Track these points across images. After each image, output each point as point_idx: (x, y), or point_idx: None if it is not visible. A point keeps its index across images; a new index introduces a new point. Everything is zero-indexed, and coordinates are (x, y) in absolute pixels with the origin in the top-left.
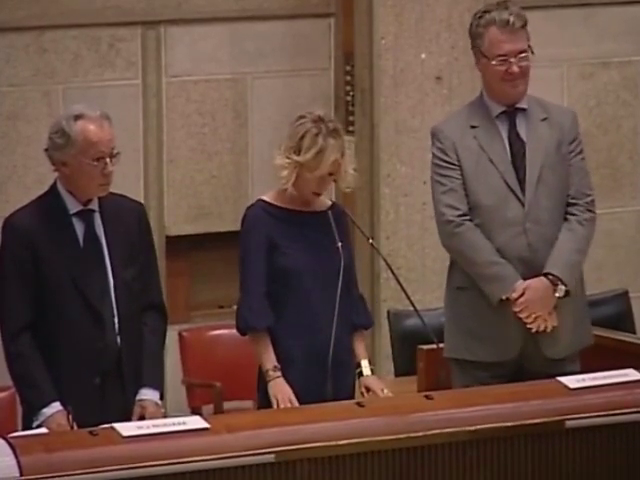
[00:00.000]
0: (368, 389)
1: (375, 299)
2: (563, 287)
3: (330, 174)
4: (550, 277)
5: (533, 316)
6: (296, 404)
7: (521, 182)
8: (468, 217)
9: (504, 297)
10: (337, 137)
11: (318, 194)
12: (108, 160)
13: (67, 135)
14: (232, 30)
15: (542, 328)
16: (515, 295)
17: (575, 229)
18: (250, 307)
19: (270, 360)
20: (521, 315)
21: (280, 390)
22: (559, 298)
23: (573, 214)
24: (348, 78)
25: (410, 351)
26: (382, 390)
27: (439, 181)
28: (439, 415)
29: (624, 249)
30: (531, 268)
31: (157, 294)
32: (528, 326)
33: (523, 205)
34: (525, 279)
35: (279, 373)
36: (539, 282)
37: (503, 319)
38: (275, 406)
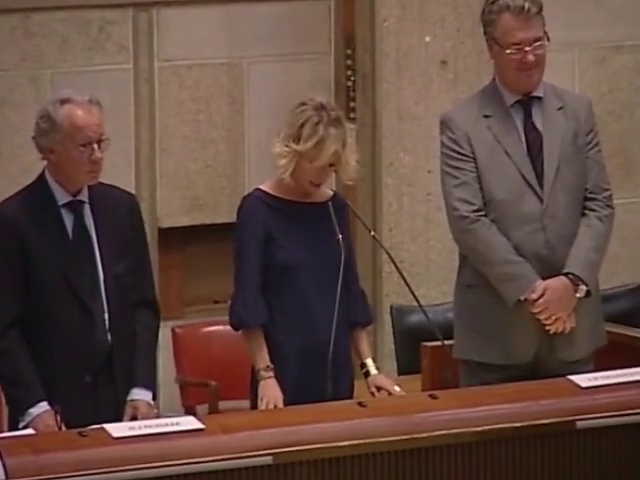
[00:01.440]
0: (379, 388)
1: (377, 294)
2: (584, 287)
3: (330, 165)
4: (570, 277)
5: (553, 317)
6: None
7: (538, 175)
8: (483, 213)
9: (522, 298)
10: (339, 126)
11: (317, 185)
12: (96, 146)
13: (52, 119)
14: (228, 12)
15: (561, 329)
16: (535, 296)
17: (594, 226)
18: (244, 303)
19: (263, 359)
20: (540, 317)
21: (269, 392)
22: (579, 299)
23: (592, 210)
24: (349, 62)
25: (414, 348)
26: (394, 387)
27: (451, 173)
28: (444, 415)
29: (638, 242)
30: (549, 267)
31: (150, 289)
32: (547, 328)
33: (541, 200)
34: (542, 278)
35: (271, 373)
36: (559, 282)
37: (517, 320)
38: (262, 407)
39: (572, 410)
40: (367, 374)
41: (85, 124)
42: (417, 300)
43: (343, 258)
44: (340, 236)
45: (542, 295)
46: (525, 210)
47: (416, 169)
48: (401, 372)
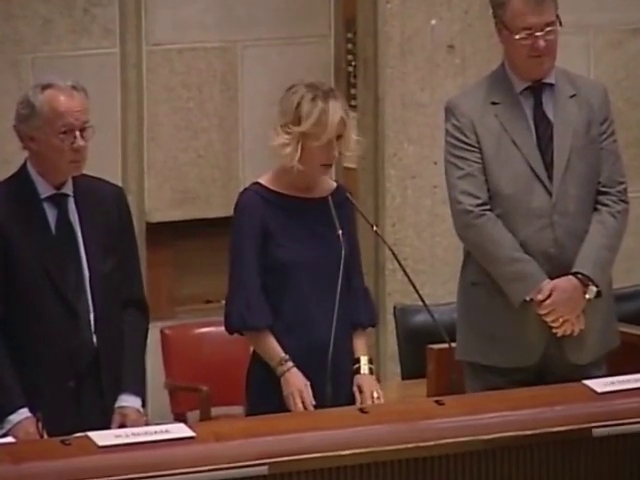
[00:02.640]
0: (360, 389)
1: (380, 293)
2: (594, 288)
3: (338, 137)
4: (580, 277)
5: (561, 320)
6: (309, 406)
7: (548, 168)
8: (488, 207)
9: (528, 298)
10: (336, 97)
11: (328, 165)
12: (78, 134)
13: (32, 105)
14: None
15: (569, 332)
16: (541, 297)
17: (606, 222)
18: (248, 303)
19: (277, 353)
20: (547, 319)
21: (293, 385)
22: (589, 300)
23: (605, 204)
24: (350, 47)
25: (419, 351)
26: (373, 393)
27: (455, 164)
28: (451, 422)
29: None
30: (557, 265)
31: (138, 288)
32: (554, 330)
33: (550, 194)
34: (551, 278)
35: (290, 364)
36: (568, 282)
37: (523, 320)
38: (293, 405)
39: (588, 416)
40: (357, 372)
41: (66, 109)
42: (422, 299)
43: (343, 255)
44: (340, 232)
45: (549, 296)
46: (533, 205)
47: (421, 160)
48: (405, 376)
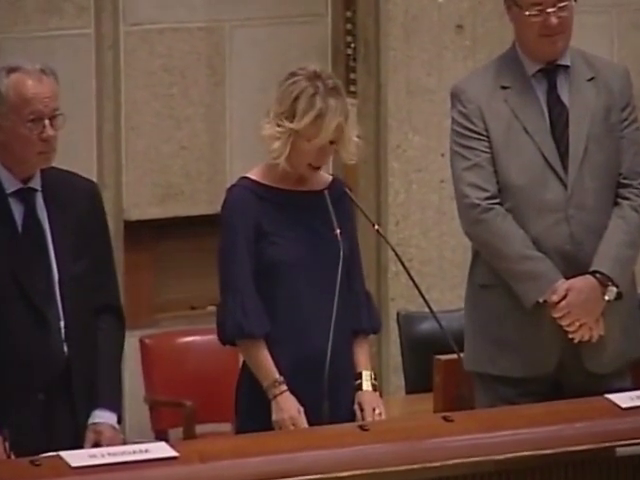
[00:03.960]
0: (362, 407)
1: (382, 298)
2: (614, 288)
3: (331, 142)
4: (598, 276)
5: (577, 324)
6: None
7: (562, 157)
8: (497, 200)
9: (541, 300)
10: (338, 97)
11: (316, 168)
12: (47, 122)
13: None
14: None
15: (587, 338)
16: (555, 298)
17: (628, 217)
18: (244, 310)
19: (271, 372)
20: (562, 322)
21: (286, 411)
22: (608, 302)
23: (626, 198)
24: (349, 27)
25: (424, 362)
26: (374, 410)
27: (461, 154)
28: (460, 441)
29: None
30: (573, 264)
31: (113, 292)
32: (570, 336)
33: (565, 186)
34: (566, 277)
35: (284, 387)
36: (585, 282)
37: (537, 325)
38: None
39: (611, 434)
40: (359, 388)
41: (34, 95)
42: (428, 305)
43: (342, 255)
44: (338, 230)
45: (564, 297)
46: (547, 198)
47: (427, 152)
48: (409, 390)
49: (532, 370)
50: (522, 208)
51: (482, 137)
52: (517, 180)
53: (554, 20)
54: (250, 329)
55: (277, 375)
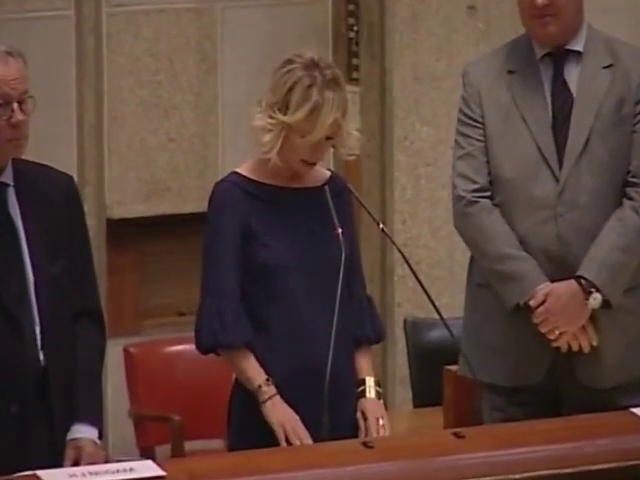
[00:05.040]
0: (365, 416)
1: (387, 304)
2: (599, 296)
3: (328, 138)
4: (582, 282)
5: (557, 332)
6: (308, 437)
7: (559, 150)
8: (487, 193)
9: (522, 302)
10: (337, 89)
11: (311, 164)
12: (16, 106)
13: None
14: None
15: (575, 347)
16: (534, 303)
17: (627, 218)
18: (221, 317)
19: (259, 373)
20: (542, 329)
21: (285, 416)
22: (594, 309)
23: (630, 198)
24: (351, 8)
25: (434, 373)
26: (378, 420)
27: (458, 142)
28: (473, 458)
29: None
30: (561, 267)
31: (92, 296)
32: (553, 344)
33: (557, 181)
34: (553, 281)
35: (274, 390)
36: (566, 287)
37: (523, 330)
38: (282, 440)
39: (636, 452)
40: (362, 395)
41: (0, 78)
42: (438, 311)
43: (344, 258)
44: (340, 230)
45: (543, 302)
46: (536, 193)
47: (437, 144)
48: (418, 403)
49: (520, 380)
50: (511, 203)
51: (477, 124)
52: (509, 173)
53: (540, 0)
54: (226, 338)
55: (266, 376)
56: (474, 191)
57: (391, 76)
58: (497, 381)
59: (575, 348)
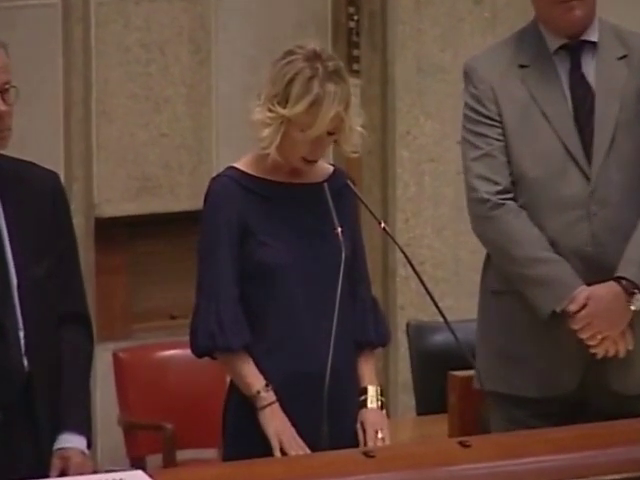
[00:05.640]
0: (364, 427)
1: (389, 306)
2: None
3: (329, 133)
4: (623, 282)
5: (599, 337)
6: (305, 450)
7: (586, 146)
8: (510, 195)
9: (558, 309)
10: (339, 82)
11: (311, 161)
12: None
13: None
14: None
15: (612, 353)
16: (574, 307)
17: None
18: (219, 318)
19: (258, 379)
20: (583, 335)
21: (282, 426)
22: (635, 311)
23: None
24: None
25: (438, 379)
26: (377, 433)
27: (470, 141)
28: (479, 469)
29: None
30: (595, 268)
31: (79, 298)
32: (592, 350)
33: (588, 179)
34: (587, 284)
35: (273, 396)
36: (608, 289)
37: (556, 338)
38: (277, 451)
39: None
40: (363, 404)
41: None
42: (442, 314)
43: (344, 257)
44: (340, 229)
45: (584, 306)
46: (566, 192)
47: (441, 139)
48: (421, 410)
49: (550, 390)
50: (538, 204)
51: (494, 122)
52: (533, 172)
53: None
54: (224, 341)
55: (264, 381)
56: (497, 193)
57: (393, 68)
58: (521, 392)
59: (612, 353)
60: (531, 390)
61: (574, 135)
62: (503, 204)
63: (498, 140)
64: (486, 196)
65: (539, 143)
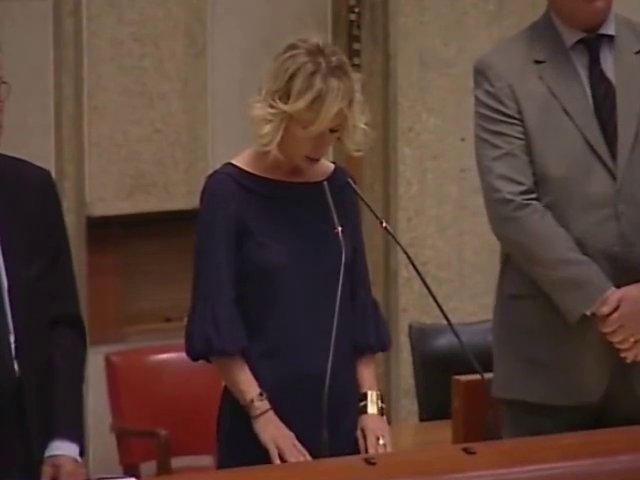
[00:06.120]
0: (365, 433)
1: (391, 308)
2: None
3: (332, 131)
4: None
5: (632, 340)
6: (306, 456)
7: (610, 143)
8: (534, 195)
9: (588, 312)
10: (343, 77)
11: (314, 160)
12: None
13: None
14: None
15: None
16: (606, 310)
17: None
18: (215, 321)
19: (252, 387)
20: (614, 338)
21: (279, 432)
22: None
23: None
24: None
25: (441, 384)
26: (378, 439)
27: (489, 141)
28: (484, 477)
29: None
30: (624, 269)
31: (71, 301)
32: (623, 354)
33: (614, 177)
34: (616, 285)
35: (267, 405)
36: (639, 290)
37: (582, 343)
38: (275, 457)
39: None
40: (363, 410)
41: None
42: (446, 316)
43: (344, 258)
44: (340, 228)
45: (616, 308)
46: (592, 191)
47: (445, 136)
48: (424, 416)
49: (575, 397)
50: (563, 204)
51: (515, 121)
52: (556, 171)
53: None
54: (221, 345)
55: (259, 390)
56: (521, 193)
57: (395, 62)
58: (546, 401)
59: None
60: (555, 398)
61: (597, 132)
62: (528, 204)
63: (519, 139)
64: (509, 197)
65: (562, 141)
